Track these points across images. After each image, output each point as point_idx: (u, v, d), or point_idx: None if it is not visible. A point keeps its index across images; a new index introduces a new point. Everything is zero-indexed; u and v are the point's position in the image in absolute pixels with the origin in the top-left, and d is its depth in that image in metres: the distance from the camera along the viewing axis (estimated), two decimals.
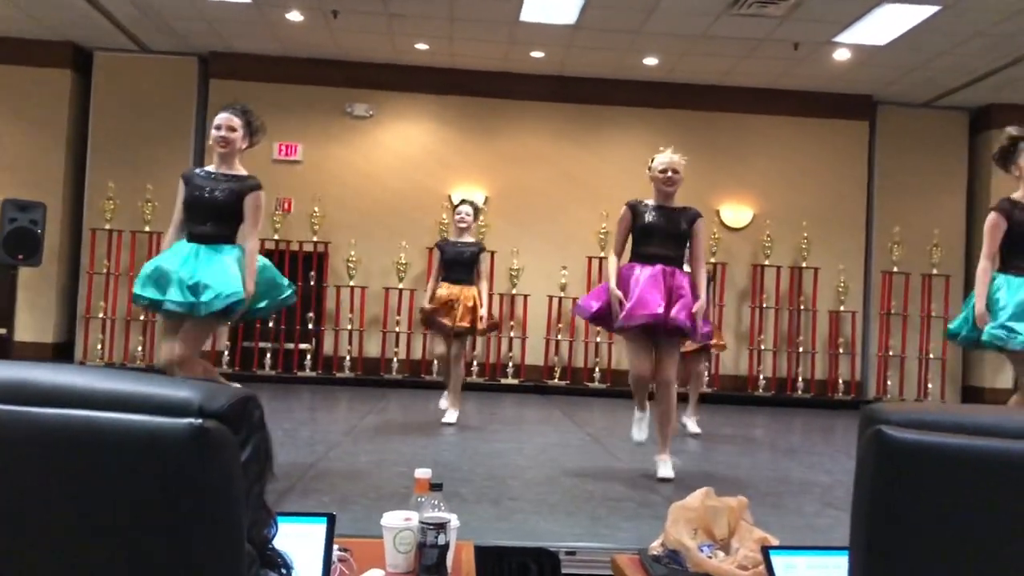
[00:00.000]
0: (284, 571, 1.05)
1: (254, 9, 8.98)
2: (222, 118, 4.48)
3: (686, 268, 4.97)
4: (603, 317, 4.91)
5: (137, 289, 4.40)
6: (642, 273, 4.75)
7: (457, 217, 6.84)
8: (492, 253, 10.20)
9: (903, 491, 0.95)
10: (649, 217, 4.82)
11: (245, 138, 4.50)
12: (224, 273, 4.30)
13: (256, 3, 8.82)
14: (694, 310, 4.70)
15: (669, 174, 4.79)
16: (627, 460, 5.45)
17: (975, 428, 0.95)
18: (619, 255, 4.98)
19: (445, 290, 6.66)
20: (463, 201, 7.04)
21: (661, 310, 4.63)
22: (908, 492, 0.94)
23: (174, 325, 4.38)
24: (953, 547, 0.95)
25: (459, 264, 6.70)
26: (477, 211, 7.07)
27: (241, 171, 4.54)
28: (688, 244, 4.91)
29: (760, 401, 10.33)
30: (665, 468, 4.82)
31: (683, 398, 7.00)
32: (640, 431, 4.97)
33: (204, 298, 4.22)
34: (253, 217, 4.45)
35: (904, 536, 0.95)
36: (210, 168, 4.57)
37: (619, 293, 4.78)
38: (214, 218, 4.41)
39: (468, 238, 6.85)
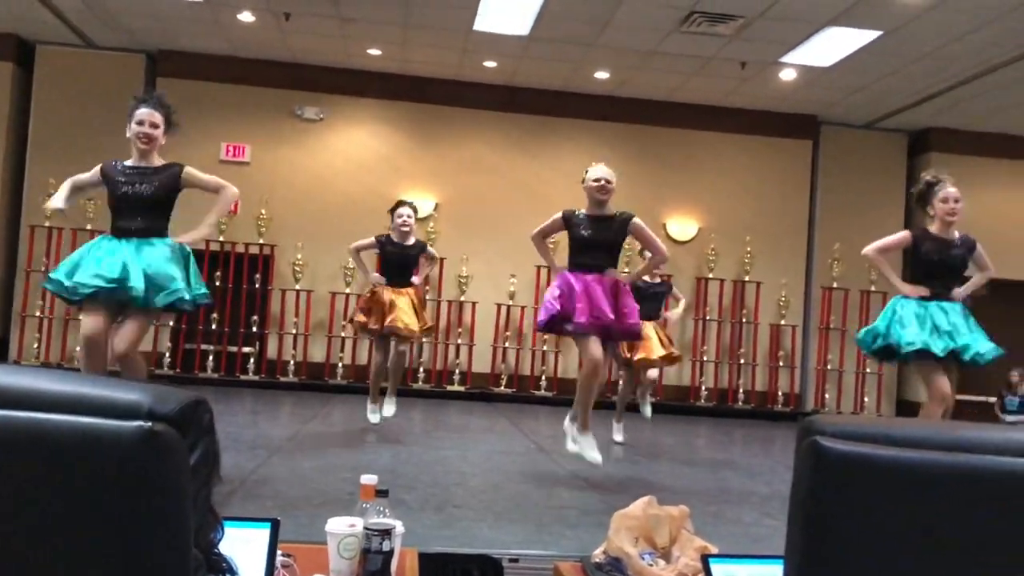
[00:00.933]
0: None
1: (205, 8, 8.86)
2: (144, 113, 4.38)
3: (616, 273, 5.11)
4: (554, 323, 5.01)
5: (84, 279, 4.17)
6: (578, 283, 4.93)
7: (399, 221, 6.41)
8: (442, 260, 10.21)
9: (837, 501, 0.98)
10: (584, 231, 5.03)
11: (165, 133, 4.44)
12: (169, 268, 4.28)
13: (208, 2, 8.70)
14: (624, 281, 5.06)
15: (603, 183, 5.03)
16: (571, 468, 5.48)
17: (906, 440, 0.99)
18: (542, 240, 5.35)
19: (386, 294, 6.39)
20: (402, 203, 6.59)
21: (595, 314, 4.85)
22: (842, 502, 0.97)
23: (101, 309, 4.26)
24: (885, 556, 0.98)
25: (403, 267, 6.50)
26: (416, 213, 6.75)
27: (162, 162, 4.47)
28: (621, 250, 5.22)
29: (702, 412, 10.48)
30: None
31: (612, 406, 7.07)
32: (591, 447, 5.00)
33: (162, 292, 4.21)
34: (207, 179, 4.51)
35: (838, 544, 0.98)
36: (129, 162, 4.44)
37: (559, 266, 5.16)
38: (145, 213, 4.34)
39: (410, 240, 6.54)
